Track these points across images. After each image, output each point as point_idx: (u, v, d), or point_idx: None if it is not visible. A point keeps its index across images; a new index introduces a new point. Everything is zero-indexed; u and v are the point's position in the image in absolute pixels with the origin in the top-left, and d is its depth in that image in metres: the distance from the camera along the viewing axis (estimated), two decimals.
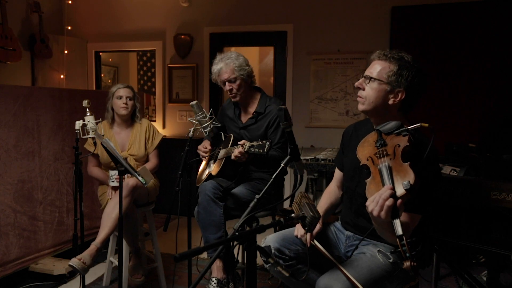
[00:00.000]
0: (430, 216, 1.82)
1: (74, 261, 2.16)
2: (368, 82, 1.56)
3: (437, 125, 3.93)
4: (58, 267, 2.77)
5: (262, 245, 1.69)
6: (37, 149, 2.83)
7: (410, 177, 1.25)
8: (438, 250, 1.88)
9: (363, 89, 1.58)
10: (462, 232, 1.75)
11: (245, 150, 2.07)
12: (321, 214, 1.79)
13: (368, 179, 1.37)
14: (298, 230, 1.72)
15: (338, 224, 1.86)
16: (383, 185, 1.27)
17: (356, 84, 1.61)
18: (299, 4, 4.28)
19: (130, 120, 2.78)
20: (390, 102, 1.54)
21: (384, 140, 1.43)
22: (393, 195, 1.22)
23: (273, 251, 1.65)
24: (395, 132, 1.43)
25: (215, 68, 2.41)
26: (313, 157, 3.09)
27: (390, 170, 1.30)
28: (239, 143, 2.18)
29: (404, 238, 1.14)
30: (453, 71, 3.90)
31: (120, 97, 2.68)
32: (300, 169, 1.63)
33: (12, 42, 3.86)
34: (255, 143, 2.04)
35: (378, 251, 1.58)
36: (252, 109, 2.48)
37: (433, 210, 1.75)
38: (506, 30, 3.72)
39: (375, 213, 1.23)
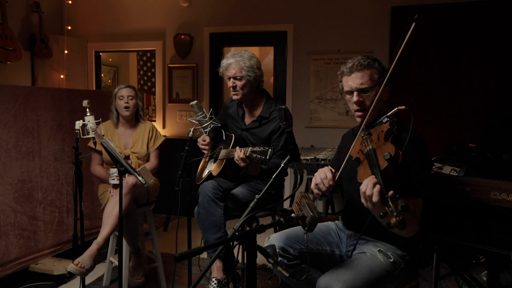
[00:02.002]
0: (430, 216, 1.82)
1: (72, 267, 2.16)
2: (368, 93, 1.60)
3: (437, 125, 3.95)
4: (58, 267, 2.77)
5: (266, 244, 1.70)
6: (37, 149, 2.83)
7: (390, 149, 1.33)
8: (438, 250, 1.88)
9: (363, 101, 1.61)
10: (462, 232, 1.75)
11: (247, 155, 2.03)
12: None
13: (359, 166, 1.44)
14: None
15: (339, 223, 1.86)
16: (370, 167, 1.33)
17: (356, 100, 1.61)
18: (299, 4, 4.28)
19: (134, 119, 2.81)
20: (386, 98, 1.63)
21: (369, 131, 1.53)
22: (375, 184, 1.26)
23: (277, 250, 1.65)
24: (378, 122, 1.54)
25: (225, 62, 2.38)
26: (313, 157, 3.10)
27: (374, 151, 1.36)
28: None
29: (389, 199, 1.19)
30: (453, 71, 3.90)
31: (122, 97, 2.71)
32: (300, 169, 1.63)
33: (12, 42, 3.86)
34: (257, 148, 1.99)
35: (379, 250, 1.59)
36: (257, 112, 2.46)
37: (431, 193, 1.75)
38: (506, 30, 3.72)
39: (371, 210, 1.30)
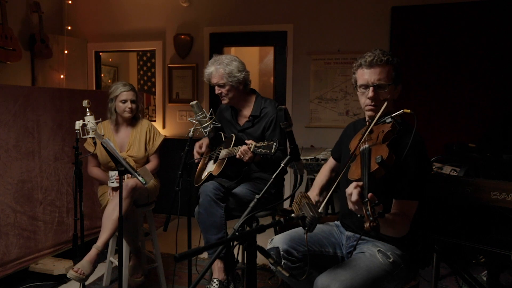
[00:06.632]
0: (430, 216, 1.82)
1: (71, 274, 2.15)
2: (384, 90, 1.60)
3: (437, 125, 3.94)
4: (58, 267, 2.77)
5: (269, 246, 1.68)
6: (37, 149, 2.83)
7: (383, 152, 1.35)
8: (438, 250, 1.88)
9: (377, 97, 1.60)
10: (462, 232, 1.75)
11: (251, 150, 2.05)
12: (320, 186, 1.95)
13: (352, 162, 1.46)
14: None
15: (339, 224, 1.86)
16: (361, 166, 1.36)
17: (371, 96, 1.60)
18: (299, 4, 4.28)
19: (131, 120, 2.76)
20: (395, 97, 1.65)
21: (371, 129, 1.54)
22: (359, 187, 1.28)
23: (281, 252, 1.63)
24: (381, 120, 1.55)
25: (207, 71, 2.42)
26: (313, 157, 3.09)
27: (369, 151, 1.38)
28: (246, 142, 2.17)
29: (368, 203, 1.20)
30: (453, 71, 3.90)
31: (124, 101, 2.64)
32: (300, 169, 1.63)
33: (12, 42, 3.86)
34: (261, 143, 2.01)
35: (378, 250, 1.58)
36: (248, 112, 2.48)
37: (426, 197, 1.76)
38: (506, 30, 3.72)
39: (354, 210, 1.31)
